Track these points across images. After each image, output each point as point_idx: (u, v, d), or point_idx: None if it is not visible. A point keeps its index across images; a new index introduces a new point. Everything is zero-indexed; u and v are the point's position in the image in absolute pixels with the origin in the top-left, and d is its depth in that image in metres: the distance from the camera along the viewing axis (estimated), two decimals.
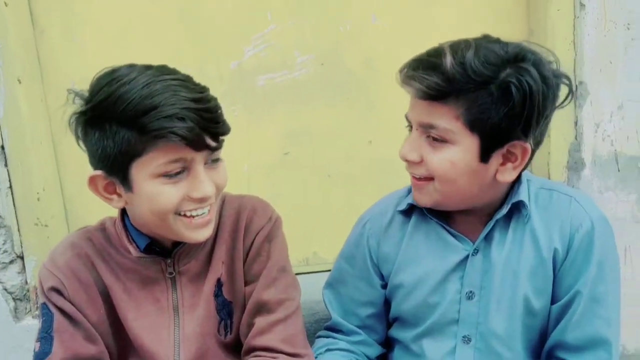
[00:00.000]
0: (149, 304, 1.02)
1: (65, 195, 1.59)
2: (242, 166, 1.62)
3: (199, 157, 0.90)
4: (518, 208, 0.99)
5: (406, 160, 0.98)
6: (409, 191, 1.08)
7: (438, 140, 0.93)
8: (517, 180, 0.99)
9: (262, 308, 1.03)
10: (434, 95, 0.89)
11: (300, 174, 1.64)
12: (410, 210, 1.08)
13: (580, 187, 1.55)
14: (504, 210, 0.98)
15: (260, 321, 1.02)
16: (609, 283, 0.99)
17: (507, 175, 0.95)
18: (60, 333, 0.97)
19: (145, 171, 0.89)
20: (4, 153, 1.45)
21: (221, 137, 0.93)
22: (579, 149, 1.54)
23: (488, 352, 1.02)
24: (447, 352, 1.04)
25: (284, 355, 1.00)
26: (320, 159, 1.64)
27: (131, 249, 0.99)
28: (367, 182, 1.64)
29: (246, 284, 1.05)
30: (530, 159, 0.96)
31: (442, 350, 1.04)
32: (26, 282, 1.51)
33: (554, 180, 1.55)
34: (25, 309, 1.53)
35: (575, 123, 1.54)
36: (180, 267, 1.02)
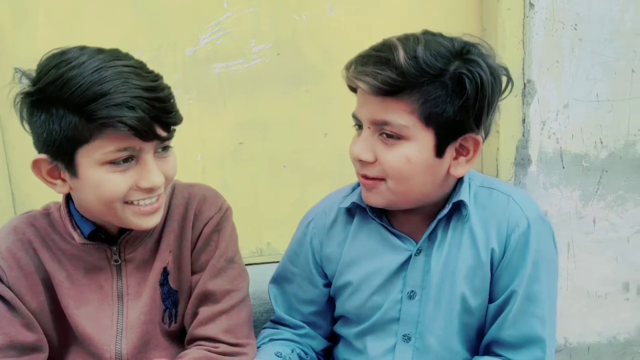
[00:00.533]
0: (92, 291, 1.01)
1: (13, 180, 1.54)
2: (195, 155, 1.60)
3: (148, 147, 0.89)
4: (459, 208, 0.99)
5: (359, 161, 0.95)
6: (353, 189, 1.08)
7: (392, 137, 0.92)
8: (460, 178, 1.00)
9: (207, 298, 1.02)
10: (388, 90, 0.88)
11: (255, 165, 1.63)
12: (353, 210, 1.07)
13: (526, 183, 1.60)
14: (446, 210, 0.98)
15: (204, 311, 1.02)
16: (544, 283, 0.99)
17: (460, 169, 0.95)
18: None
19: (92, 158, 0.87)
20: None
21: (172, 127, 0.92)
22: (526, 146, 1.58)
23: (426, 351, 1.03)
24: (387, 350, 1.05)
25: (224, 345, 1.00)
26: (276, 150, 1.63)
27: (75, 235, 0.97)
28: (322, 174, 1.65)
29: (193, 273, 1.04)
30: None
31: (382, 347, 1.05)
32: None
33: (501, 176, 1.59)
34: None
35: (523, 120, 1.58)
36: (127, 254, 1.01)
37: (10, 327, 0.96)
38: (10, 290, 0.97)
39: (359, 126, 0.97)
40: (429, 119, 0.89)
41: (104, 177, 0.88)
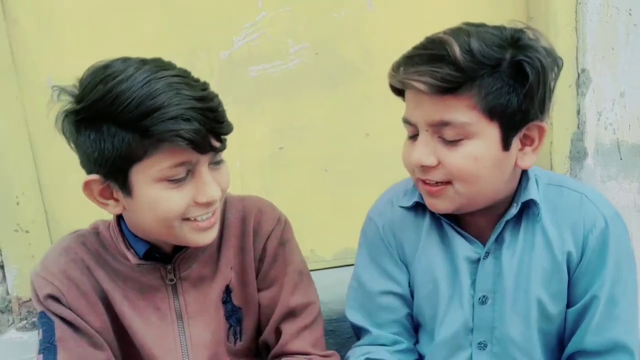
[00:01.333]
0: (151, 312, 0.97)
1: (45, 200, 1.49)
2: (234, 163, 1.55)
3: (203, 160, 0.85)
4: (528, 207, 0.95)
5: (421, 167, 0.90)
6: (413, 185, 1.02)
7: (454, 138, 0.87)
8: (524, 174, 0.95)
9: (289, 314, 1.01)
10: (447, 87, 0.84)
11: (295, 170, 1.58)
12: (419, 207, 1.02)
13: (582, 176, 1.53)
14: (514, 210, 0.93)
15: (289, 328, 1.01)
16: (626, 283, 0.95)
17: (528, 160, 0.91)
18: (63, 341, 0.91)
19: (147, 175, 0.83)
20: None
21: (224, 137, 0.88)
22: (582, 138, 1.51)
23: (505, 358, 0.98)
24: None
25: (316, 357, 1.00)
26: (316, 153, 1.58)
27: (129, 255, 0.94)
28: (364, 176, 1.59)
29: (261, 289, 1.02)
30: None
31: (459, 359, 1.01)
32: (7, 293, 1.42)
33: (556, 171, 1.52)
34: (8, 321, 1.44)
35: (578, 112, 1.51)
36: (182, 272, 0.97)
37: (79, 347, 0.92)
38: (71, 310, 0.93)
39: (412, 132, 0.92)
40: (492, 112, 0.85)
41: (161, 195, 0.84)
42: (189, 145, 0.80)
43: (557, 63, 0.89)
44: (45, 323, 0.93)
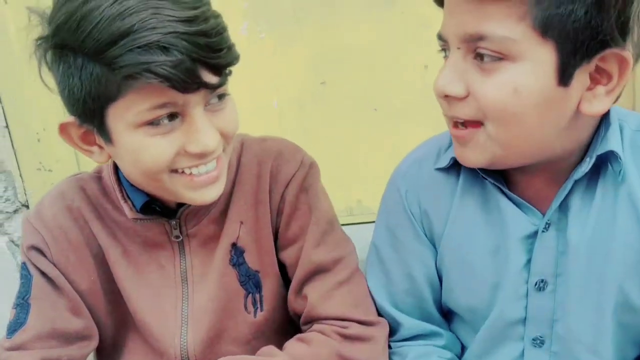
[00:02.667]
0: (152, 271, 0.87)
1: None
2: (271, 101, 1.41)
3: (195, 99, 0.70)
4: (606, 162, 0.73)
5: (445, 96, 0.72)
6: (449, 140, 0.83)
7: (492, 58, 0.66)
8: (604, 119, 0.72)
9: (317, 271, 0.86)
10: None
11: (340, 108, 1.42)
12: (455, 166, 0.82)
13: None
14: (586, 165, 0.72)
15: (319, 286, 0.86)
16: None
17: (598, 104, 0.68)
18: (38, 301, 0.84)
19: (125, 119, 0.69)
20: None
21: (226, 70, 0.72)
22: None
23: (567, 358, 0.79)
24: (514, 359, 0.82)
25: (356, 325, 0.84)
26: (364, 90, 1.40)
27: (126, 208, 0.82)
28: (420, 116, 1.39)
29: (285, 246, 0.88)
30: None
31: (506, 356, 0.82)
32: None
33: None
34: None
35: None
36: (189, 229, 0.85)
37: (54, 311, 0.84)
38: (55, 266, 0.84)
39: (446, 51, 0.73)
40: (547, 27, 0.64)
41: (142, 143, 0.70)
42: (166, 84, 0.64)
43: None
44: (24, 276, 0.85)
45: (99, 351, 0.90)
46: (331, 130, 1.43)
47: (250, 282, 0.88)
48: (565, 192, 0.74)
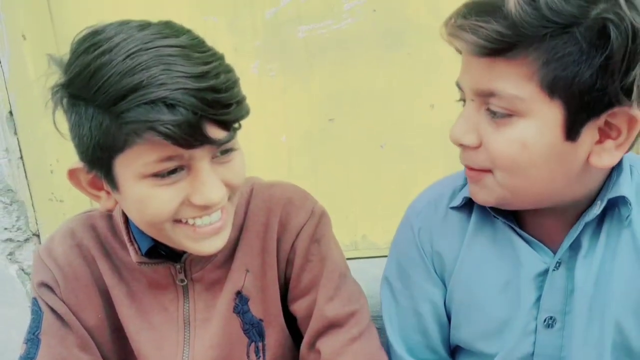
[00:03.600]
0: (156, 313, 0.86)
1: None
2: (279, 136, 1.43)
3: (200, 154, 0.69)
4: (615, 205, 0.75)
5: (460, 145, 0.75)
6: (464, 180, 0.84)
7: (502, 114, 0.69)
8: (616, 166, 0.74)
9: (330, 326, 0.85)
10: (494, 48, 0.66)
11: (348, 145, 1.44)
12: (468, 205, 0.84)
13: None
14: (596, 209, 0.74)
15: (331, 342, 0.85)
16: None
17: (607, 158, 0.70)
18: (48, 336, 0.84)
19: (131, 170, 0.69)
20: (13, 120, 1.34)
21: (235, 125, 0.71)
22: None
23: None
24: None
25: None
26: (371, 127, 1.42)
27: (131, 251, 0.81)
28: (427, 153, 1.41)
29: (296, 298, 0.88)
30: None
31: None
32: None
33: None
34: None
35: None
36: (194, 273, 0.84)
37: (63, 347, 0.84)
38: (65, 304, 0.85)
39: (464, 99, 0.76)
40: (554, 87, 0.66)
41: (147, 193, 0.70)
42: (169, 141, 0.64)
43: None
44: (35, 312, 0.86)
45: None
46: (338, 166, 1.44)
47: (254, 330, 0.87)
48: (577, 233, 0.75)
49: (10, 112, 1.32)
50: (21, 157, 1.35)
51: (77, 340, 0.84)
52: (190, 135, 0.65)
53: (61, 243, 0.86)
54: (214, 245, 0.76)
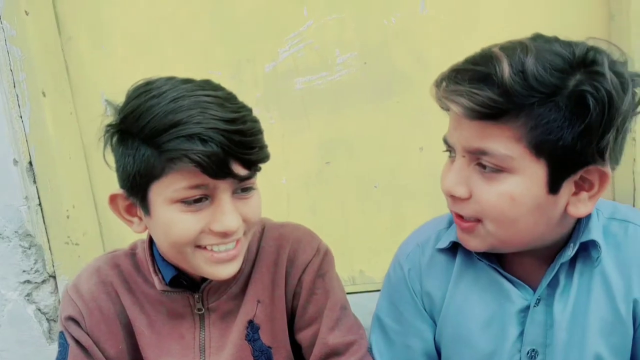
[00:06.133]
0: (174, 341, 0.93)
1: (100, 212, 1.54)
2: (280, 178, 1.51)
3: (223, 186, 0.79)
4: (586, 248, 0.82)
5: (450, 196, 0.81)
6: (450, 222, 0.91)
7: (493, 169, 0.76)
8: None
9: (331, 353, 0.92)
10: (488, 113, 0.72)
11: (344, 186, 1.51)
12: (453, 247, 0.90)
13: None
14: (570, 251, 0.80)
15: None
16: None
17: (582, 208, 0.77)
18: None
19: (163, 195, 0.79)
20: (32, 170, 1.41)
21: (256, 166, 0.82)
22: None
23: None
24: None
25: None
26: (365, 169, 1.50)
27: (156, 280, 0.90)
28: (417, 193, 1.49)
29: (301, 328, 0.94)
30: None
31: None
32: (59, 302, 1.47)
33: None
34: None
35: None
36: (210, 303, 0.92)
37: None
38: (89, 336, 0.92)
39: (451, 152, 0.82)
40: (540, 149, 0.73)
41: (174, 217, 0.80)
42: (199, 168, 0.75)
43: (634, 97, 0.74)
44: (61, 344, 0.93)
45: None
46: (335, 205, 1.51)
47: (263, 356, 0.93)
48: (553, 273, 0.82)
49: (30, 163, 1.40)
50: (39, 204, 1.42)
51: None
52: (217, 167, 0.75)
53: (87, 280, 0.94)
54: (228, 270, 0.84)
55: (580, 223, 0.82)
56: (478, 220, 0.79)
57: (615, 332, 0.81)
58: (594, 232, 0.80)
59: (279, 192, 1.51)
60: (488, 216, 0.78)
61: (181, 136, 0.75)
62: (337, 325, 0.92)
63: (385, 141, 1.47)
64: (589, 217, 0.81)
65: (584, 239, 0.80)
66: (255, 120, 0.81)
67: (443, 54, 1.38)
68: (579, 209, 0.77)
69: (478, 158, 0.76)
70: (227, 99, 0.80)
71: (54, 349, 1.42)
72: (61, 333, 0.93)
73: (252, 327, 0.93)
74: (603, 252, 0.81)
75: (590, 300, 0.82)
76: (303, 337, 0.94)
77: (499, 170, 0.75)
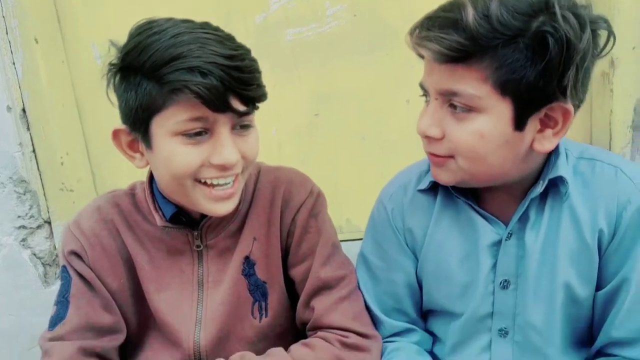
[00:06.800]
0: (173, 275, 0.97)
1: (92, 159, 1.56)
2: (270, 129, 1.54)
3: (223, 120, 0.82)
4: (555, 184, 0.88)
5: (425, 137, 0.86)
6: (428, 165, 0.96)
7: (463, 109, 0.81)
8: (554, 149, 0.87)
9: (322, 287, 0.96)
10: (456, 56, 0.77)
11: (332, 137, 1.55)
12: (433, 188, 0.96)
13: None
14: (539, 188, 0.86)
15: (323, 300, 0.95)
16: None
17: (547, 144, 0.83)
18: (76, 298, 0.94)
19: (165, 128, 0.82)
20: (26, 116, 1.42)
21: (253, 104, 0.84)
22: None
23: (527, 346, 0.92)
24: (483, 348, 0.94)
25: (354, 335, 0.94)
26: (354, 121, 1.53)
27: (157, 217, 0.93)
28: (404, 145, 1.53)
29: (295, 264, 0.98)
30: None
31: (477, 346, 0.95)
32: (54, 247, 1.50)
33: (616, 142, 1.38)
34: (55, 274, 1.52)
35: None
36: (208, 240, 0.96)
37: (89, 307, 0.94)
38: (91, 270, 0.95)
39: (426, 96, 0.88)
40: (505, 87, 0.78)
41: (175, 149, 0.83)
42: (199, 100, 0.78)
43: (594, 38, 0.78)
44: (64, 277, 0.96)
45: (124, 344, 0.99)
46: (324, 156, 1.55)
47: (258, 291, 0.97)
48: (524, 208, 0.88)
49: (24, 110, 1.41)
50: (33, 151, 1.44)
51: (101, 302, 0.94)
52: (217, 99, 0.79)
53: (89, 218, 0.97)
54: (225, 207, 0.88)
55: (550, 161, 0.87)
56: (451, 157, 0.84)
57: (583, 260, 0.87)
58: (562, 169, 0.86)
59: (269, 143, 1.54)
60: (460, 153, 0.83)
61: (182, 68, 0.77)
62: (329, 261, 0.97)
63: (373, 94, 1.50)
64: (557, 155, 0.87)
65: (552, 175, 0.86)
66: (254, 60, 0.84)
67: (433, 5, 1.40)
68: (543, 145, 0.82)
69: (449, 100, 0.82)
70: (227, 38, 0.83)
71: (50, 292, 1.48)
72: (64, 267, 0.96)
73: (248, 263, 0.97)
74: (571, 188, 0.87)
75: (559, 232, 0.88)
76: (296, 272, 0.98)
77: (468, 109, 0.80)
